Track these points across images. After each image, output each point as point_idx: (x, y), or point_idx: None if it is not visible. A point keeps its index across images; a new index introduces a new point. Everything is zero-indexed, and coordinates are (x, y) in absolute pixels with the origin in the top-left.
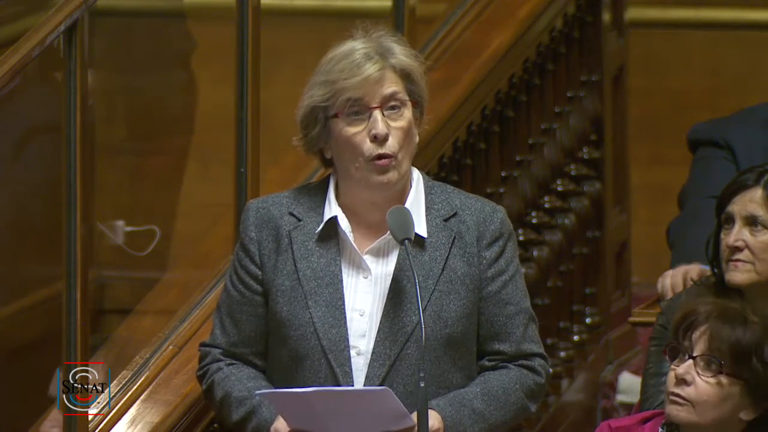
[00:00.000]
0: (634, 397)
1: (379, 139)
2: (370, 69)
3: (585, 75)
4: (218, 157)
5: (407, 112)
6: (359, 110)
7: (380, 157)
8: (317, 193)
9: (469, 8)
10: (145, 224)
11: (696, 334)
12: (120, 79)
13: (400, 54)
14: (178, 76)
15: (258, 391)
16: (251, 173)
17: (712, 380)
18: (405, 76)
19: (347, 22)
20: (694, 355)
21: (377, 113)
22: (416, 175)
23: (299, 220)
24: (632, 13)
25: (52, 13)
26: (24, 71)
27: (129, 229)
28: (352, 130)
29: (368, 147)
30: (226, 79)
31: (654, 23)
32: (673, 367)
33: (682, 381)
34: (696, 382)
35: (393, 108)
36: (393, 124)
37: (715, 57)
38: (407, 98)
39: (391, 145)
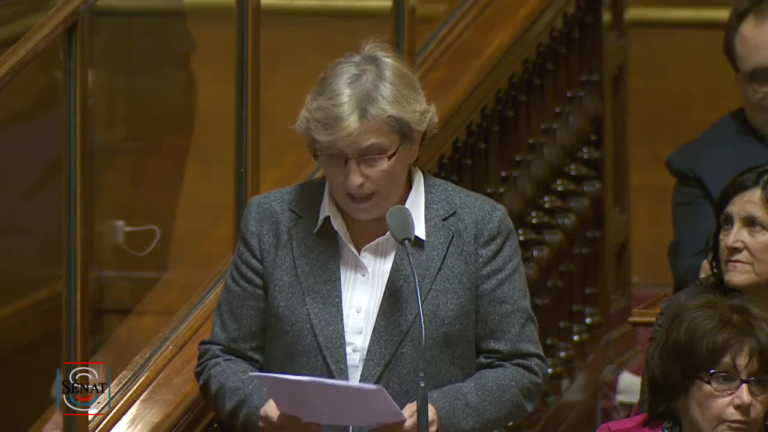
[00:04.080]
0: (634, 397)
1: (352, 188)
2: (346, 129)
3: (585, 75)
4: (218, 157)
5: (388, 157)
6: (336, 154)
7: (357, 198)
8: (318, 190)
9: (469, 8)
10: (145, 224)
11: (732, 357)
12: (120, 79)
13: (385, 100)
14: (178, 76)
15: (252, 373)
16: (251, 173)
17: (765, 398)
18: (389, 120)
19: (347, 22)
20: (750, 378)
21: (352, 163)
22: (418, 176)
23: (299, 217)
24: (632, 13)
25: (52, 13)
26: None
27: (129, 229)
28: (329, 168)
29: (345, 186)
30: (226, 79)
31: (654, 23)
32: (717, 392)
33: (747, 410)
34: (753, 404)
35: (371, 157)
36: (371, 170)
37: (715, 57)
38: (387, 145)
39: (368, 188)
